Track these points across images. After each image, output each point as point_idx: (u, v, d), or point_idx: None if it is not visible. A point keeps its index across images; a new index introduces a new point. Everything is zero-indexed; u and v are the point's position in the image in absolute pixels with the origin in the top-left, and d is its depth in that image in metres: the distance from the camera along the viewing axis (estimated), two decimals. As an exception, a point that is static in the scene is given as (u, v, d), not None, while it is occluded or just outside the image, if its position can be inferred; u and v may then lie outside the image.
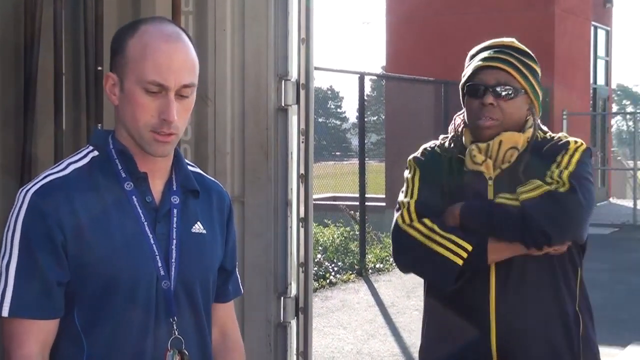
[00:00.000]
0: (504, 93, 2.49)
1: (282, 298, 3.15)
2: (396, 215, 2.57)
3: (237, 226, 3.06)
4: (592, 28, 19.18)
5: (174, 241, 1.89)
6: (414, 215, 2.53)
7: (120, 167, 1.88)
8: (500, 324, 2.46)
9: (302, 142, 3.16)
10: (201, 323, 1.95)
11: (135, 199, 1.87)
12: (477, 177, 2.52)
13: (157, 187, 1.92)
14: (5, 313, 1.77)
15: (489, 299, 2.46)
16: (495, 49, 2.55)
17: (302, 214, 3.17)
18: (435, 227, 2.48)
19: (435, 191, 2.55)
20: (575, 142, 2.53)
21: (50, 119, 2.84)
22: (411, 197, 2.57)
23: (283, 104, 3.13)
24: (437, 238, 2.47)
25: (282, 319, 3.15)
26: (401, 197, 2.61)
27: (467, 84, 2.55)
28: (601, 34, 20.60)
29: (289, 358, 3.17)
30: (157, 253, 1.86)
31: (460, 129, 2.62)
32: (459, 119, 2.64)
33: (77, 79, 2.93)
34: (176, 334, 1.86)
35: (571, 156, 2.48)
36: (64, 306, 1.81)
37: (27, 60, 2.81)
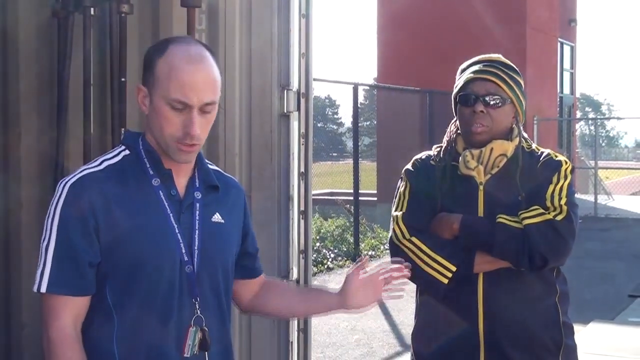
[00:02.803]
0: (492, 102, 2.45)
1: (284, 281, 3.15)
2: (391, 228, 2.52)
3: (245, 218, 3.08)
4: (559, 44, 19.18)
5: (197, 231, 1.89)
6: (404, 230, 2.47)
7: (148, 165, 1.88)
8: (487, 318, 2.40)
9: (302, 144, 3.15)
10: (221, 303, 1.95)
11: (161, 193, 1.87)
12: (469, 182, 2.46)
13: (181, 183, 1.91)
14: (43, 289, 1.79)
15: (477, 296, 2.40)
16: (485, 63, 2.51)
17: (302, 208, 3.17)
18: (423, 247, 2.43)
19: (425, 203, 2.48)
20: (566, 162, 2.49)
21: (79, 124, 2.84)
22: (400, 211, 2.51)
23: (285, 111, 3.13)
24: (425, 258, 2.42)
25: (284, 299, 3.14)
26: (393, 210, 2.55)
27: (460, 94, 2.51)
28: (567, 49, 20.61)
29: (291, 334, 3.17)
30: (181, 241, 1.85)
31: (454, 136, 2.57)
32: (454, 126, 2.59)
33: (104, 89, 2.93)
34: (198, 312, 1.86)
35: (565, 177, 2.45)
36: (95, 285, 1.83)
37: (60, 73, 2.81)
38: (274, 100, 3.12)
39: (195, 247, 1.88)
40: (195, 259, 1.87)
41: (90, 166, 1.88)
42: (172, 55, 1.83)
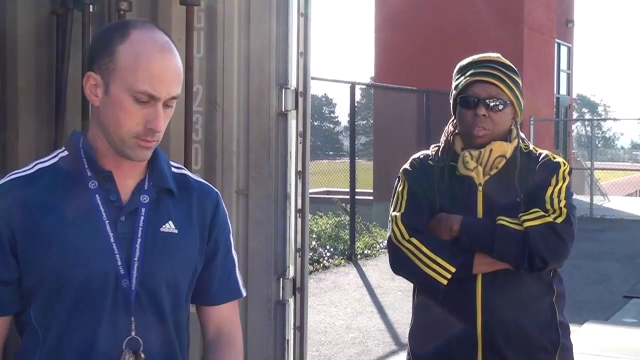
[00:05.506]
0: (494, 105, 2.44)
1: (281, 279, 3.15)
2: (389, 228, 2.51)
3: (242, 216, 3.08)
4: (556, 45, 19.22)
5: (139, 239, 1.66)
6: (404, 231, 2.45)
7: (86, 166, 1.67)
8: (485, 318, 2.39)
9: (300, 142, 3.16)
10: (166, 325, 1.70)
11: (98, 198, 1.65)
12: (467, 182, 2.45)
13: (127, 186, 1.69)
14: None
15: (475, 296, 2.40)
16: (484, 64, 2.48)
17: (299, 206, 3.17)
18: (423, 248, 2.41)
19: (423, 203, 2.47)
20: (564, 163, 2.49)
21: (78, 122, 2.85)
22: (399, 211, 2.49)
23: (283, 109, 3.13)
24: (424, 259, 2.40)
25: (281, 297, 3.15)
26: (391, 210, 2.53)
27: (460, 96, 2.48)
28: (564, 50, 20.64)
29: (287, 332, 3.17)
30: (116, 252, 1.63)
31: (452, 136, 2.55)
32: (452, 126, 2.57)
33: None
34: (133, 334, 1.64)
35: (563, 179, 2.45)
36: (15, 303, 1.64)
37: (58, 70, 2.81)
38: (271, 99, 3.12)
39: (135, 259, 1.64)
40: (134, 273, 1.64)
41: (20, 170, 1.68)
42: (137, 42, 1.60)
